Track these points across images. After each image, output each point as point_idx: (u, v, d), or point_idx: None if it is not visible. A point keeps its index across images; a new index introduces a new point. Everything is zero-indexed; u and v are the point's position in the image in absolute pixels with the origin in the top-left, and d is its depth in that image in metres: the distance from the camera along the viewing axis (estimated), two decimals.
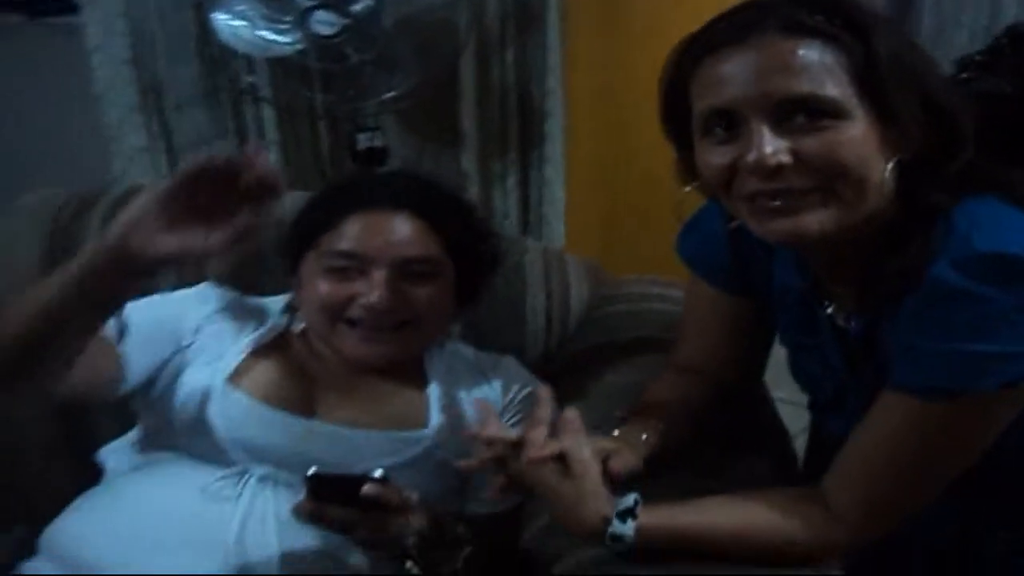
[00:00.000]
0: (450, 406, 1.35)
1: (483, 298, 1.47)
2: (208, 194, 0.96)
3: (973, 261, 0.92)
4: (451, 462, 1.24)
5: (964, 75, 1.31)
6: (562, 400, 1.32)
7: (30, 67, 2.76)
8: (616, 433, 1.17)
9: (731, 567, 1.05)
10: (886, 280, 1.01)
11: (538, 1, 2.20)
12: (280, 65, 2.22)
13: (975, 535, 1.22)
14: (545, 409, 1.10)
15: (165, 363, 1.33)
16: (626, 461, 1.11)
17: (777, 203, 0.98)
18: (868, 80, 0.95)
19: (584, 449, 1.07)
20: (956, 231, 0.96)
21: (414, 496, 1.13)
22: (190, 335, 1.36)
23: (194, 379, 1.30)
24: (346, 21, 2.08)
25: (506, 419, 1.37)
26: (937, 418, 0.98)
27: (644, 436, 1.16)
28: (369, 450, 1.26)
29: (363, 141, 2.25)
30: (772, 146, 0.95)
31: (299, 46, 2.09)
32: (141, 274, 1.01)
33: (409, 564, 1.15)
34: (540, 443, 1.06)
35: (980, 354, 0.93)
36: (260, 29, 2.10)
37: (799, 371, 1.25)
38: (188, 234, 0.97)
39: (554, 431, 1.09)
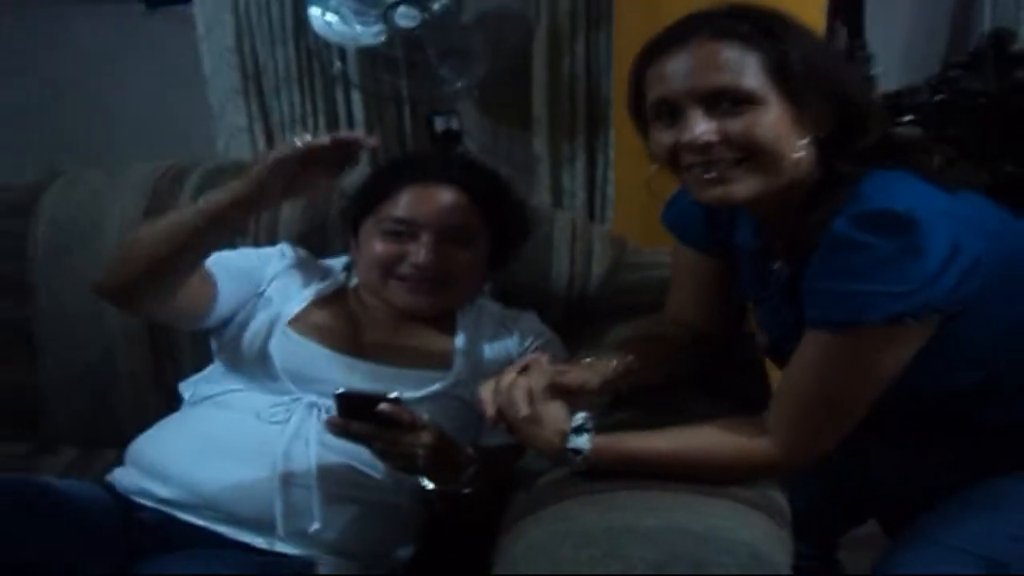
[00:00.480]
0: (471, 354, 1.58)
1: (514, 262, 1.70)
2: (318, 158, 1.36)
3: (865, 216, 1.13)
4: (468, 400, 1.48)
5: (950, 74, 1.47)
6: (576, 348, 1.60)
7: (149, 51, 3.03)
8: (588, 360, 1.38)
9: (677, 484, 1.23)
10: (804, 234, 1.22)
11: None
12: (367, 54, 2.42)
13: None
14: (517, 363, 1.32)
15: (243, 305, 1.60)
16: (578, 376, 1.33)
17: (711, 175, 1.22)
18: (781, 74, 1.20)
19: (542, 381, 1.28)
20: (860, 194, 1.18)
21: (424, 416, 1.34)
22: (266, 283, 1.63)
23: (263, 320, 1.58)
24: (425, 16, 2.29)
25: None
26: (840, 349, 1.18)
27: (613, 362, 1.37)
28: (399, 384, 1.47)
29: (440, 124, 2.45)
30: (702, 127, 1.20)
31: (383, 37, 2.31)
32: (264, 208, 1.50)
33: (423, 480, 1.37)
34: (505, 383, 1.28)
35: (866, 292, 1.13)
36: (349, 22, 2.32)
37: (759, 321, 1.47)
38: (304, 182, 1.38)
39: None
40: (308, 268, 1.70)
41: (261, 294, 1.63)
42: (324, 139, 1.35)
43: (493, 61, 2.33)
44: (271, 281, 1.65)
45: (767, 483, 1.27)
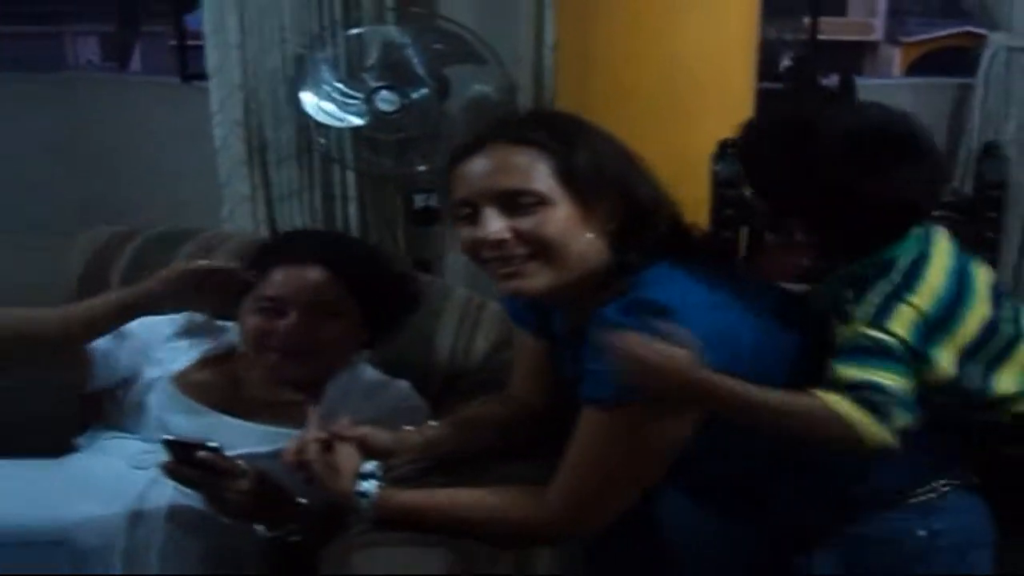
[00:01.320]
0: (331, 416, 1.69)
1: (395, 334, 1.81)
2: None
3: (630, 303, 1.23)
4: None
5: None
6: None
7: (181, 120, 3.28)
8: (407, 428, 1.51)
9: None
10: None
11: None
12: (357, 134, 2.61)
13: None
14: (313, 423, 1.45)
15: (130, 367, 1.74)
16: (377, 436, 1.45)
17: (507, 269, 1.30)
18: (570, 177, 1.30)
19: (344, 444, 1.41)
20: (636, 285, 1.27)
21: (242, 464, 1.45)
22: (158, 345, 1.77)
23: (148, 376, 1.72)
24: (404, 101, 2.47)
25: (387, 425, 1.70)
26: (608, 425, 1.26)
27: (428, 429, 1.49)
28: (250, 439, 1.60)
29: (419, 201, 2.62)
30: (496, 225, 1.29)
31: (365, 119, 2.50)
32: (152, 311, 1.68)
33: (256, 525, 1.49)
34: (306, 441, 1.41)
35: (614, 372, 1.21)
36: (336, 104, 2.52)
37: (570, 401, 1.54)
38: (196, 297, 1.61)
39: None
40: (203, 330, 1.85)
41: (150, 355, 1.78)
42: (216, 264, 1.54)
43: None
44: (164, 342, 1.80)
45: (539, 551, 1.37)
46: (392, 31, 2.49)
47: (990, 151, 2.20)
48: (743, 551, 1.47)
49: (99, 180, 3.38)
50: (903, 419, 1.20)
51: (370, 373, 1.79)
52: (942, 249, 1.29)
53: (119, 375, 1.75)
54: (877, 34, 4.28)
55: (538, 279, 1.31)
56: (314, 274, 1.70)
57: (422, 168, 2.51)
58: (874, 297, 1.24)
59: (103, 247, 2.04)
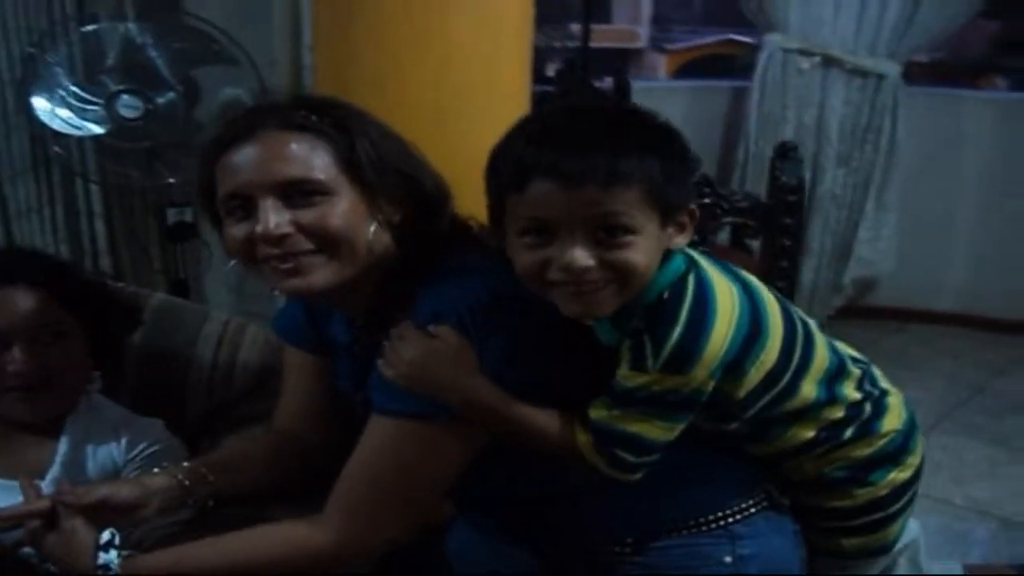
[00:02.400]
0: (72, 461, 1.52)
1: (120, 354, 1.66)
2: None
3: (432, 313, 1.17)
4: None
5: None
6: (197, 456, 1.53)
7: None
8: (151, 474, 1.38)
9: None
10: (383, 324, 1.22)
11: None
12: (98, 144, 2.40)
13: None
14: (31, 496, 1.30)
15: None
16: (130, 493, 1.31)
17: (288, 265, 1.20)
18: (351, 165, 1.21)
19: (68, 511, 1.27)
20: (431, 288, 1.20)
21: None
22: None
23: None
24: (149, 107, 2.28)
25: (126, 472, 1.53)
26: (392, 436, 1.19)
27: (177, 476, 1.35)
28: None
29: (172, 216, 2.43)
30: (275, 219, 1.18)
31: (107, 128, 2.29)
32: None
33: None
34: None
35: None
36: (72, 110, 2.30)
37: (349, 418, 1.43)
38: None
39: None
40: None
41: None
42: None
43: None
44: None
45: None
46: (132, 29, 2.29)
47: (786, 152, 2.16)
48: None
49: None
50: (644, 469, 1.19)
51: (114, 410, 1.62)
52: (709, 267, 1.21)
53: None
54: (642, 41, 4.41)
55: (323, 274, 1.22)
56: (25, 297, 1.52)
57: (172, 180, 2.33)
58: (669, 335, 1.14)
59: None
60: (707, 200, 2.08)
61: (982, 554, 2.17)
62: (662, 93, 4.46)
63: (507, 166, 1.13)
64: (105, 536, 1.24)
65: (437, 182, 1.30)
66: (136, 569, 1.22)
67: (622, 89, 3.96)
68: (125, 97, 2.27)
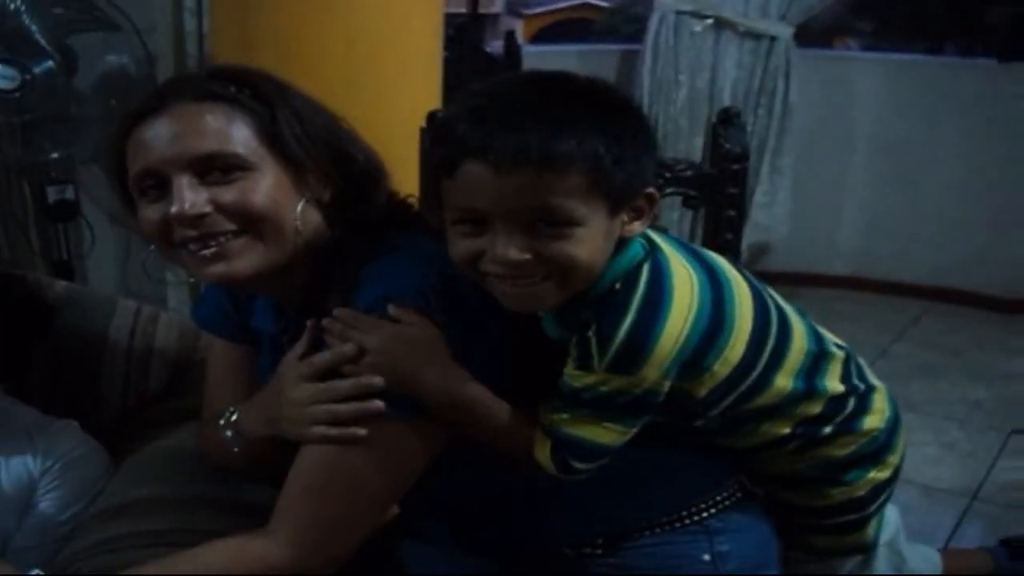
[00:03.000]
0: None
1: (30, 359, 1.54)
2: None
3: (378, 297, 1.08)
4: None
5: None
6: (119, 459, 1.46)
7: None
8: None
9: None
10: (317, 311, 1.14)
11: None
12: None
13: None
14: None
15: None
16: None
17: (209, 250, 1.11)
18: (274, 138, 1.12)
19: None
20: (372, 272, 1.12)
21: None
22: None
23: None
24: (26, 77, 2.15)
25: (43, 483, 1.43)
26: (337, 452, 1.11)
27: None
28: None
29: (53, 194, 2.30)
30: (192, 199, 1.09)
31: None
32: None
33: None
34: None
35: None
36: None
37: None
38: None
39: None
40: None
41: None
42: None
43: (108, 126, 2.20)
44: None
45: None
46: None
47: (729, 118, 2.11)
48: None
49: None
50: (590, 472, 1.14)
51: (24, 415, 1.50)
52: (673, 255, 1.13)
53: None
54: (497, 7, 4.39)
55: (248, 258, 1.13)
56: None
57: (55, 155, 2.20)
58: (614, 334, 1.07)
59: None
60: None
61: (919, 520, 2.22)
62: (554, 56, 4.42)
63: (439, 145, 1.06)
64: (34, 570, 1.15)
65: (370, 157, 1.21)
66: None
67: (512, 54, 3.93)
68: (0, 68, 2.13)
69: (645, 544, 1.24)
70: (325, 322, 1.11)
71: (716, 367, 1.12)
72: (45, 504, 1.40)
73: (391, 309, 1.07)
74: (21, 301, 1.53)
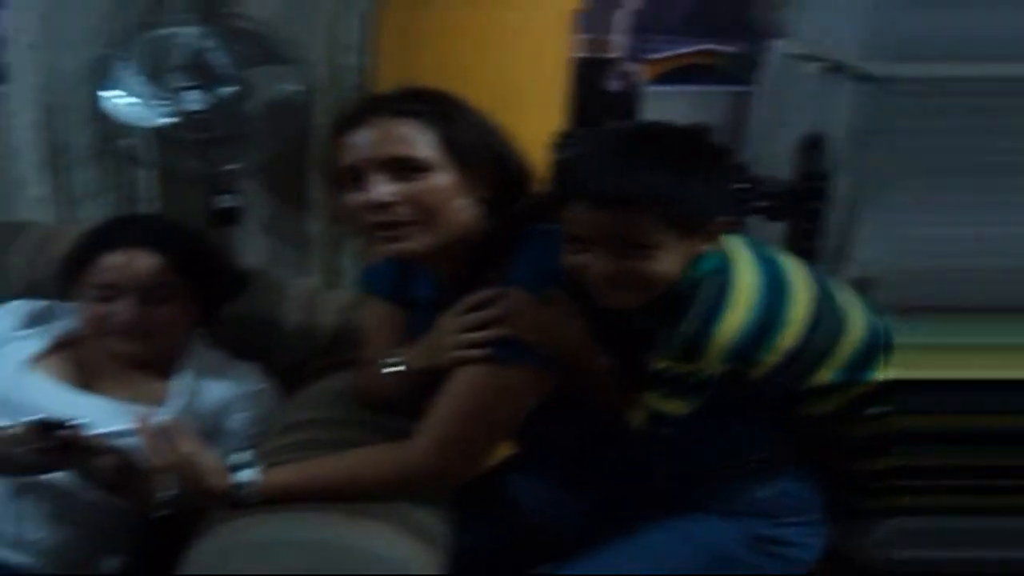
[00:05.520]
0: (186, 394, 1.93)
1: (226, 316, 2.07)
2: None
3: (537, 271, 1.53)
4: None
5: None
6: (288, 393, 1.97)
7: None
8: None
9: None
10: (477, 286, 1.58)
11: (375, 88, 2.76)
12: (159, 134, 2.80)
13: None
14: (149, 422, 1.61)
15: None
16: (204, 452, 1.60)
17: (391, 232, 1.56)
18: (451, 146, 1.57)
19: (192, 441, 1.58)
20: (523, 252, 1.55)
21: (103, 441, 1.68)
22: (2, 341, 1.98)
23: (1, 368, 1.92)
24: (213, 100, 2.69)
25: (234, 407, 1.94)
26: (487, 379, 1.54)
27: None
28: (109, 416, 1.82)
29: (221, 202, 2.83)
30: (380, 190, 1.55)
31: (173, 119, 2.70)
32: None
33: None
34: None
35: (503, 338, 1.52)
36: (142, 104, 2.71)
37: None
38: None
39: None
40: (46, 317, 2.07)
41: None
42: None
43: (271, 146, 2.73)
44: (8, 336, 2.01)
45: (424, 511, 1.56)
46: (197, 32, 2.70)
47: (813, 143, 2.49)
48: (591, 521, 1.75)
49: None
50: (674, 430, 1.56)
51: (215, 355, 2.01)
52: (744, 263, 1.51)
53: None
54: (618, 51, 4.72)
55: (418, 240, 1.57)
56: (145, 258, 1.91)
57: (233, 167, 2.73)
58: (683, 329, 1.44)
59: None
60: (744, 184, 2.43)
61: None
62: (668, 97, 4.81)
63: (557, 183, 1.51)
64: (243, 457, 1.57)
65: (523, 164, 1.65)
66: (269, 485, 1.52)
67: (630, 93, 4.37)
68: (189, 93, 2.67)
69: (714, 482, 1.67)
70: (479, 294, 1.55)
71: (767, 357, 1.49)
72: (233, 423, 1.90)
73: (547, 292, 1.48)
74: (221, 267, 2.06)
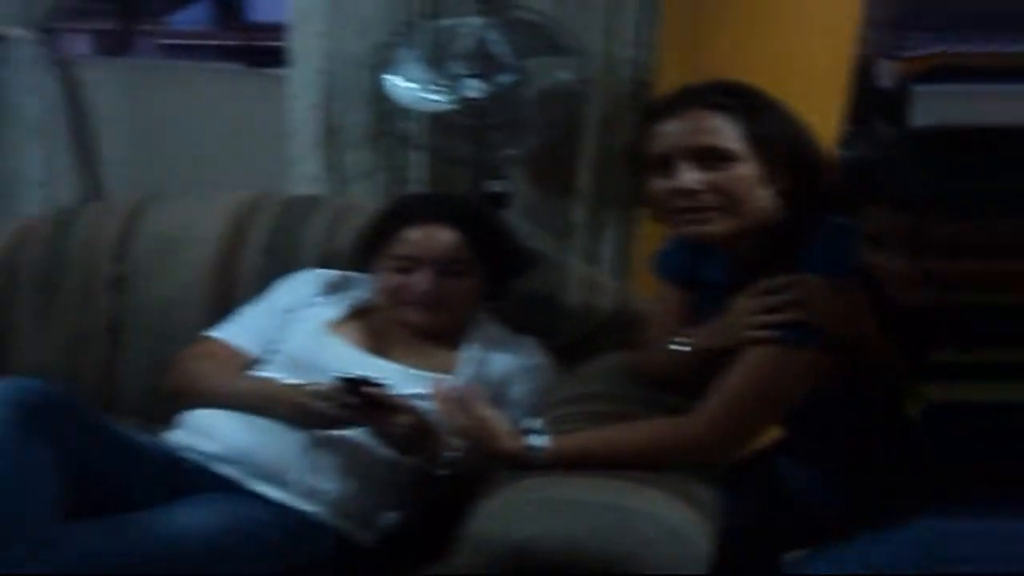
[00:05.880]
0: (475, 363, 2.05)
1: (512, 294, 2.18)
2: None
3: (833, 258, 1.59)
4: None
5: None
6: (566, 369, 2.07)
7: (238, 105, 3.62)
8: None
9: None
10: (769, 272, 1.65)
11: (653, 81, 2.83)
12: (435, 119, 2.93)
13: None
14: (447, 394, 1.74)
15: (281, 330, 2.11)
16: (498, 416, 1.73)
17: (693, 215, 1.65)
18: (757, 139, 1.63)
19: (487, 407, 1.71)
20: (814, 245, 1.61)
21: (404, 401, 1.80)
22: (302, 308, 2.13)
23: (302, 328, 2.09)
24: (492, 88, 2.79)
25: (516, 377, 2.04)
26: (775, 360, 1.60)
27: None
28: (401, 381, 1.93)
29: (492, 187, 2.94)
30: (689, 177, 1.63)
31: (451, 105, 2.82)
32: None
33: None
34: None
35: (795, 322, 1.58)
36: (422, 89, 2.84)
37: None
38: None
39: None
40: (342, 286, 2.21)
41: (298, 315, 2.14)
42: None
43: (545, 134, 2.82)
44: (309, 302, 2.16)
45: (698, 483, 1.63)
46: (479, 23, 2.81)
47: None
48: (855, 509, 1.77)
49: (160, 161, 3.70)
50: None
51: (498, 328, 2.12)
52: None
53: (272, 343, 2.09)
54: (890, 47, 4.61)
55: (720, 225, 1.65)
56: (445, 235, 2.03)
57: (506, 153, 2.83)
58: None
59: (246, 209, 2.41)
60: None
61: None
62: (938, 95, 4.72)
63: (856, 181, 1.61)
64: (536, 423, 1.69)
65: (820, 159, 1.70)
66: (559, 451, 1.62)
67: (900, 92, 4.30)
68: (470, 80, 2.79)
69: None
70: (774, 279, 1.62)
71: None
72: (515, 393, 1.99)
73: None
74: (511, 247, 2.18)
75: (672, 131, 1.66)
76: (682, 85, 1.74)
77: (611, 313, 2.26)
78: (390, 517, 1.97)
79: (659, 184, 1.69)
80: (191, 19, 7.10)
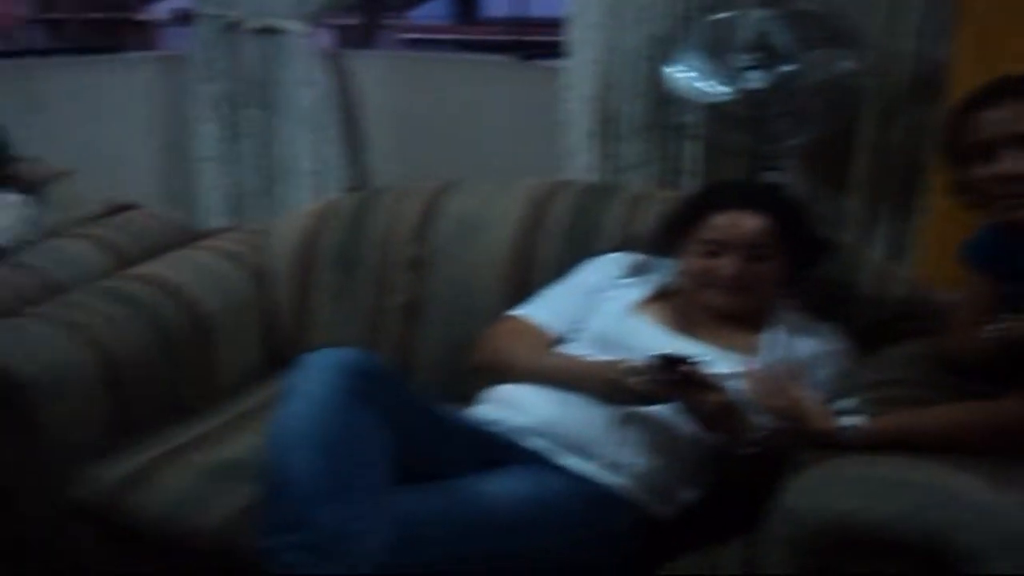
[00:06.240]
0: (776, 346, 2.08)
1: (808, 279, 2.19)
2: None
3: None
4: None
5: None
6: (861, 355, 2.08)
7: (510, 96, 3.78)
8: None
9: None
10: None
11: (938, 75, 2.81)
12: (713, 109, 3.00)
13: None
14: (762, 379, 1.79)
15: (584, 309, 2.20)
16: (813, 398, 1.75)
17: (1020, 201, 1.66)
18: None
19: (800, 387, 1.74)
20: None
21: (717, 380, 1.83)
22: (607, 288, 2.22)
23: (608, 309, 2.17)
24: (773, 79, 2.85)
25: (820, 360, 2.06)
26: None
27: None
28: (716, 361, 1.94)
29: (767, 177, 2.99)
30: (1014, 164, 1.65)
31: (731, 96, 2.88)
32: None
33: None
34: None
35: None
36: (701, 80, 2.91)
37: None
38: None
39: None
40: (645, 269, 2.28)
41: (603, 295, 2.22)
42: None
43: (824, 125, 2.86)
44: (614, 282, 2.25)
45: (1014, 468, 1.55)
46: (761, 15, 2.86)
47: None
48: None
49: (427, 152, 3.91)
50: None
51: (797, 315, 2.17)
52: None
53: (577, 322, 2.19)
54: None
55: None
56: (752, 220, 2.08)
57: (783, 144, 2.88)
58: None
59: (544, 195, 2.53)
60: None
61: None
62: None
63: None
64: (850, 403, 1.71)
65: None
66: (875, 431, 1.63)
67: None
68: (751, 72, 2.85)
69: None
70: None
71: None
72: (819, 377, 2.02)
73: None
74: (813, 233, 2.21)
75: (996, 118, 1.69)
76: (1001, 76, 1.75)
77: (903, 300, 2.28)
78: (690, 493, 2.03)
79: (982, 171, 1.71)
80: (430, 15, 7.33)
